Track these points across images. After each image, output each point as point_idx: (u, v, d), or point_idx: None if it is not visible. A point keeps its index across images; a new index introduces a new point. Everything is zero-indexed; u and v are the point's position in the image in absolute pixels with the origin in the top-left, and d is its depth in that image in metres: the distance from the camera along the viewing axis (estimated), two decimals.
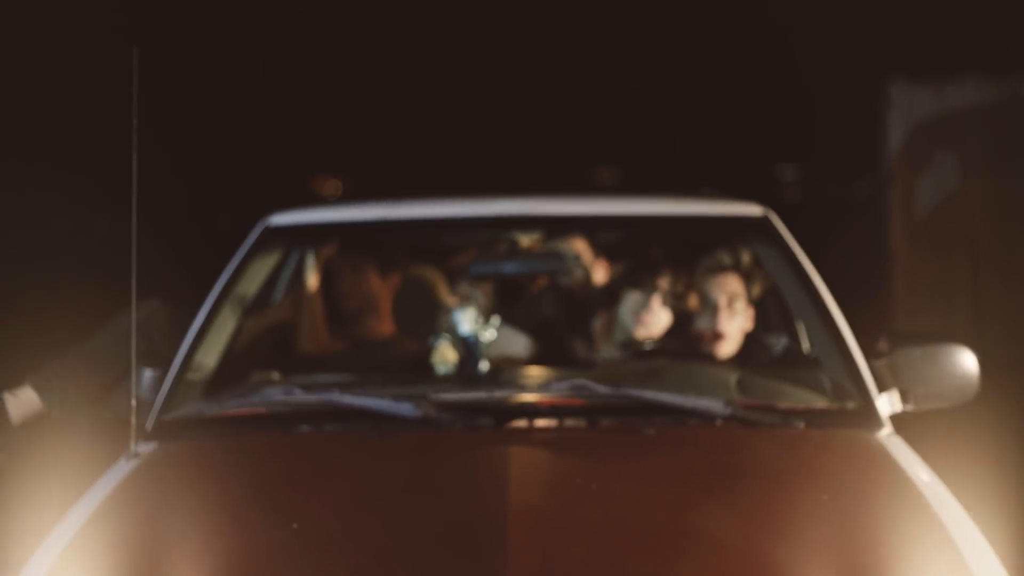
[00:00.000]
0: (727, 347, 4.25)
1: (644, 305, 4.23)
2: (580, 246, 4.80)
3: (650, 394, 3.22)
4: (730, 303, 4.26)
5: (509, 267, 4.29)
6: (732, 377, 3.53)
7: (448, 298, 4.67)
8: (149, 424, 3.39)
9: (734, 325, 4.25)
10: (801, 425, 3.18)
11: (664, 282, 4.26)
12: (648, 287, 4.25)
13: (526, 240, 4.60)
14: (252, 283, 3.91)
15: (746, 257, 4.30)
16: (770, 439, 3.14)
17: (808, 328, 3.83)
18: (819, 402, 3.42)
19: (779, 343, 4.41)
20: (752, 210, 4.00)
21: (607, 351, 4.07)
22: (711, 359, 4.10)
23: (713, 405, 3.17)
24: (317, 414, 3.28)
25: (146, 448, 3.22)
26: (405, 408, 3.17)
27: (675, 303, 4.27)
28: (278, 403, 3.32)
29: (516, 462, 2.91)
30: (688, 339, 4.26)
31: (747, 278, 4.32)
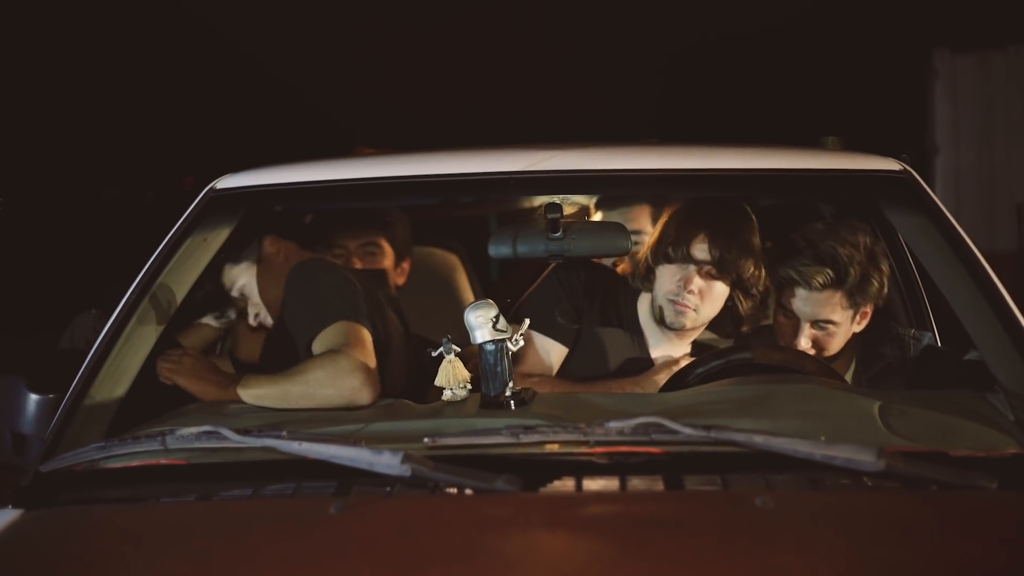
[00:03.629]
0: (835, 343, 3.13)
1: (679, 283, 3.05)
2: (643, 219, 3.61)
3: (760, 439, 2.09)
4: (822, 326, 3.10)
5: (551, 247, 2.84)
6: (873, 405, 2.39)
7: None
8: (26, 477, 2.33)
9: (833, 343, 3.12)
10: (993, 485, 2.05)
11: (700, 247, 3.03)
12: (683, 256, 3.05)
13: (570, 208, 3.43)
14: (190, 270, 2.83)
15: (854, 269, 3.06)
16: (949, 511, 2.01)
17: (970, 323, 2.66)
18: (1009, 444, 2.28)
19: (919, 340, 3.26)
20: (887, 165, 2.88)
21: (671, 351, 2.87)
22: (822, 367, 2.95)
23: (858, 455, 2.04)
24: (255, 468, 2.20)
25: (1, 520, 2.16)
26: (385, 461, 2.07)
27: (732, 273, 3.06)
28: (199, 451, 2.23)
29: (552, 555, 1.82)
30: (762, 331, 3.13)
31: (856, 292, 3.11)
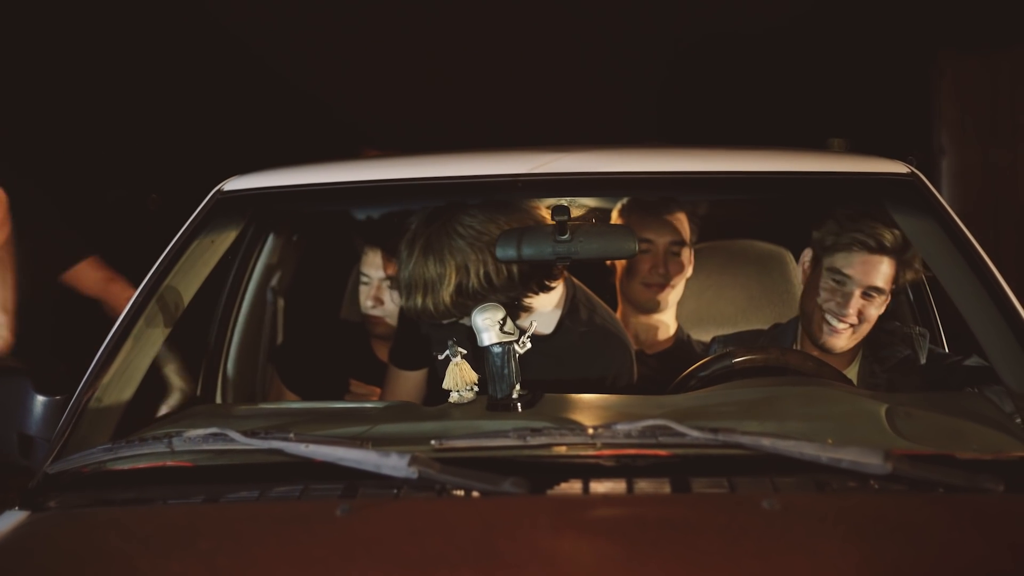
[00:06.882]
0: (844, 339, 3.17)
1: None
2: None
3: (767, 441, 2.09)
4: (870, 294, 3.16)
5: (559, 249, 2.70)
6: (880, 407, 2.39)
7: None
8: (32, 479, 2.34)
9: (873, 314, 3.18)
10: (1000, 488, 2.05)
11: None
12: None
13: (577, 210, 3.41)
14: (197, 272, 2.83)
15: (899, 235, 3.16)
16: (956, 514, 2.01)
17: (978, 326, 2.66)
18: (1016, 447, 2.28)
19: (924, 337, 3.29)
20: (894, 167, 2.88)
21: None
22: (807, 361, 2.99)
23: (865, 458, 2.04)
24: (262, 470, 2.20)
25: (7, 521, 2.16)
26: (392, 464, 2.07)
27: None
28: (206, 453, 2.23)
29: (559, 558, 1.83)
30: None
31: (906, 265, 3.21)
